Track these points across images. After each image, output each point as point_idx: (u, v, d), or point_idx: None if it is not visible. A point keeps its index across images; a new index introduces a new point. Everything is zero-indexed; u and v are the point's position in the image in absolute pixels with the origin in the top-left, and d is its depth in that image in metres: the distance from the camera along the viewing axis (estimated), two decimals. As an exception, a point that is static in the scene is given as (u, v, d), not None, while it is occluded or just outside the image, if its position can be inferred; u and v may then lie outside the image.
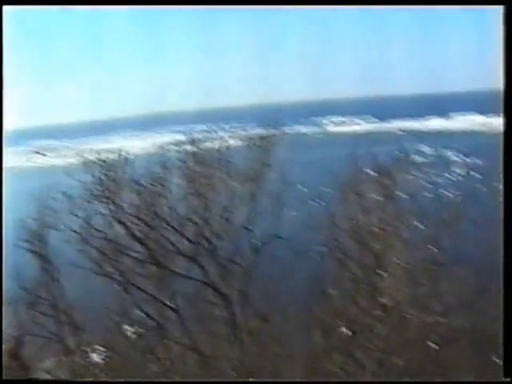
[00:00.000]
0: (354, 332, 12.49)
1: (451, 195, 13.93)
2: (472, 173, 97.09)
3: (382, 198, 12.32)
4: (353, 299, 12.41)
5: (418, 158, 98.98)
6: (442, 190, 13.67)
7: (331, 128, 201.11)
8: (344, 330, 12.78)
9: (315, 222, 12.63)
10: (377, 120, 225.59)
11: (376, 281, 12.20)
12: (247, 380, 14.23)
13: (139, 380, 14.69)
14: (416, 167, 14.96)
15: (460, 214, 13.00)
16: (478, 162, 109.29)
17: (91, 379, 14.05)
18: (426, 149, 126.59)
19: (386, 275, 12.07)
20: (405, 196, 13.18)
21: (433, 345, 14.06)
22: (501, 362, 16.19)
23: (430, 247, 12.16)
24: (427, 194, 15.31)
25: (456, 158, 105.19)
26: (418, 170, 15.66)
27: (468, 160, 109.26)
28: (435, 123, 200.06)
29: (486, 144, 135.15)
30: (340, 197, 12.68)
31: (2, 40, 11.11)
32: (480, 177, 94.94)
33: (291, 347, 15.66)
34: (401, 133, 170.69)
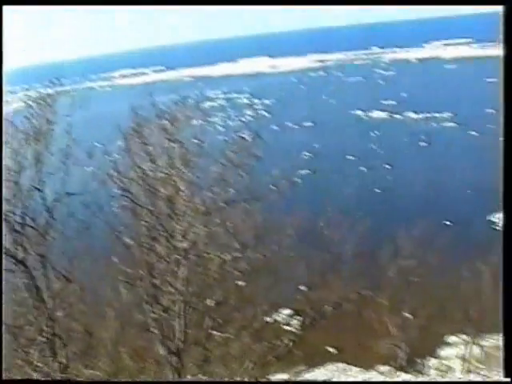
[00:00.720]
0: (154, 277, 12.90)
1: (243, 136, 14.63)
2: (262, 112, 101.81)
3: (169, 145, 12.68)
4: (150, 247, 12.79)
5: (209, 103, 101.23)
6: (234, 132, 14.22)
7: (120, 81, 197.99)
8: (148, 278, 13.14)
9: (104, 176, 12.66)
10: (166, 69, 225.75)
11: (170, 226, 12.65)
12: (247, 380, 14.31)
13: (139, 380, 14.89)
14: (204, 112, 15.40)
15: (249, 152, 13.73)
16: (267, 102, 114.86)
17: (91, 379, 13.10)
18: (215, 93, 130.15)
19: (179, 219, 12.57)
20: (195, 140, 13.60)
21: (239, 282, 15.09)
22: (303, 287, 17.81)
23: (220, 187, 12.84)
24: (219, 137, 15.89)
25: (245, 101, 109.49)
26: (207, 114, 16.13)
27: (257, 101, 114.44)
28: (224, 68, 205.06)
29: (273, 84, 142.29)
30: (126, 147, 12.81)
31: (2, 40, 11.28)
32: (269, 116, 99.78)
33: (99, 304, 15.82)
34: (190, 79, 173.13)
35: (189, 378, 14.32)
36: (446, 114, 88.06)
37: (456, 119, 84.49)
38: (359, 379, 28.30)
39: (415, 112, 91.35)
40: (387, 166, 62.77)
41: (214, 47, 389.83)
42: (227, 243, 13.72)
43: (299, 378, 28.47)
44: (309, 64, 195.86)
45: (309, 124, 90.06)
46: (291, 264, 17.02)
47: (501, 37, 11.10)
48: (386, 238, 20.39)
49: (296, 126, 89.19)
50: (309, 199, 44.15)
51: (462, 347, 27.13)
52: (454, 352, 29.15)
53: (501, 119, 10.69)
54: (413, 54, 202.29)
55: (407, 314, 22.26)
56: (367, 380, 26.74)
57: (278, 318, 27.21)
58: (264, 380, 18.13)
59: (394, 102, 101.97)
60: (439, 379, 25.96)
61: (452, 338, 30.02)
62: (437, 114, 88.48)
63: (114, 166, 12.64)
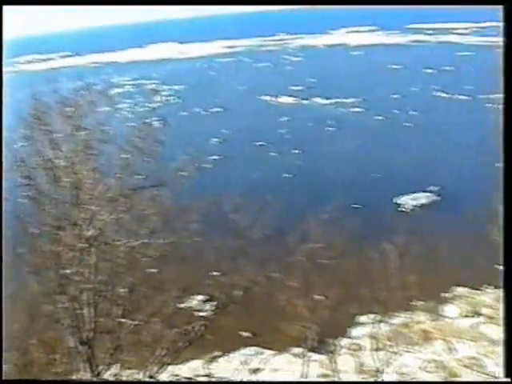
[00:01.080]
0: (62, 267, 12.79)
1: (150, 122, 14.61)
2: (171, 99, 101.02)
3: (73, 132, 12.56)
4: (57, 236, 12.66)
5: (116, 90, 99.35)
6: (141, 119, 14.21)
7: (25, 66, 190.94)
8: (55, 267, 13.01)
9: (8, 164, 12.41)
10: (73, 54, 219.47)
11: (76, 214, 12.57)
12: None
13: (139, 380, 15.14)
14: (111, 98, 15.30)
15: (156, 139, 13.79)
16: (176, 88, 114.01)
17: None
18: (123, 79, 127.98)
19: (84, 207, 12.51)
20: (101, 127, 13.52)
21: (150, 269, 15.17)
22: (214, 273, 18.05)
23: (127, 174, 12.85)
24: (127, 124, 15.82)
25: (154, 87, 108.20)
26: (113, 101, 16.03)
27: (165, 87, 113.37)
28: (132, 54, 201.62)
29: (181, 70, 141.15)
30: (28, 135, 12.60)
31: (1, 40, 11.74)
32: (178, 102, 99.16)
33: (9, 297, 15.49)
34: (97, 65, 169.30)
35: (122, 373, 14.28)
36: (352, 100, 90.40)
37: (363, 104, 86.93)
38: (272, 362, 28.99)
39: (322, 97, 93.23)
40: (296, 151, 63.90)
41: (121, 32, 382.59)
42: (135, 230, 13.77)
43: (214, 363, 28.85)
44: (218, 50, 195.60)
45: (218, 110, 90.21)
46: (200, 249, 17.25)
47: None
48: (294, 222, 20.93)
49: (205, 112, 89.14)
50: (217, 185, 44.44)
51: (372, 326, 28.25)
52: (364, 331, 30.31)
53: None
54: (320, 40, 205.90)
55: (318, 296, 22.95)
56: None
57: (190, 305, 27.42)
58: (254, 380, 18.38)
59: (302, 88, 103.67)
60: (439, 379, 27.07)
61: (362, 318, 31.17)
62: (344, 100, 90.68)
63: (17, 154, 12.41)
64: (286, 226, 20.04)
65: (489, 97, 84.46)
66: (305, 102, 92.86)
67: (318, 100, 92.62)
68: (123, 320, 14.15)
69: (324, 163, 60.50)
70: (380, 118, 77.35)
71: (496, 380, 15.27)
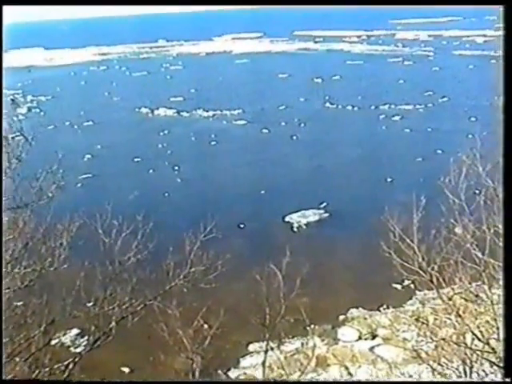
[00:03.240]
0: None
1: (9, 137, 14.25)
2: (35, 110, 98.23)
3: None
4: None
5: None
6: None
7: None
8: None
9: None
10: None
11: None
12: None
13: (139, 380, 12.83)
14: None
15: (15, 155, 13.48)
16: (41, 98, 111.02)
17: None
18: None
19: None
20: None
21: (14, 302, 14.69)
22: (86, 302, 17.68)
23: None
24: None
25: (15, 96, 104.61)
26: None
27: (30, 97, 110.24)
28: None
29: (48, 79, 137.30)
30: None
31: (1, 40, 11.49)
32: (43, 114, 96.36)
33: None
34: None
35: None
36: (236, 111, 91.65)
37: (248, 116, 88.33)
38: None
39: (204, 109, 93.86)
40: (176, 168, 63.96)
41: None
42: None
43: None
44: (89, 57, 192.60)
45: (89, 123, 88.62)
46: (69, 277, 16.90)
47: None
48: (173, 244, 20.88)
49: (74, 126, 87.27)
50: (89, 204, 43.30)
51: (263, 355, 28.61)
52: (255, 361, 30.56)
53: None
54: (202, 47, 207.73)
55: (202, 324, 22.98)
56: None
57: (61, 340, 26.63)
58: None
59: (181, 99, 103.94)
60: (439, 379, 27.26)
61: (252, 346, 31.50)
62: (227, 112, 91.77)
63: None
64: (163, 248, 19.95)
65: (380, 108, 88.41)
66: (185, 114, 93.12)
67: (200, 112, 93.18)
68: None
69: (207, 180, 60.77)
70: (266, 130, 78.89)
71: (496, 380, 16.17)
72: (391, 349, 31.26)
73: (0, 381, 10.70)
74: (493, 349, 15.32)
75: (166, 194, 55.69)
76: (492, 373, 15.98)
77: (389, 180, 56.40)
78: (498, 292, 14.54)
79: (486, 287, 15.84)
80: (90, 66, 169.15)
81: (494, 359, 15.16)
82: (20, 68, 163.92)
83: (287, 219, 48.28)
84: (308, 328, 30.07)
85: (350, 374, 29.95)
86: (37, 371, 15.42)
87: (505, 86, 11.68)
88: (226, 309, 23.53)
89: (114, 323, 16.87)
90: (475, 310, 17.33)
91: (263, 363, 27.60)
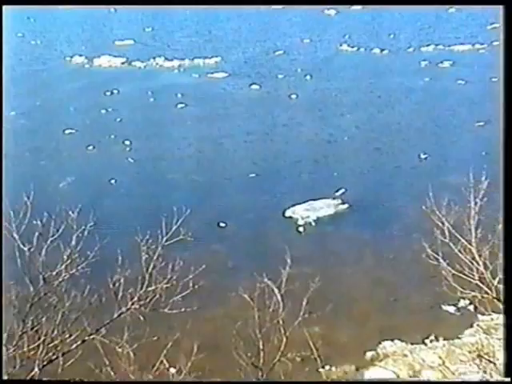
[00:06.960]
0: None
1: None
2: None
3: None
4: None
5: None
6: None
7: None
8: None
9: None
10: None
11: None
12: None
13: (139, 380, 17.02)
14: None
15: None
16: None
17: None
18: None
19: None
20: None
21: None
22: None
23: None
24: None
25: None
26: None
27: None
28: None
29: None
30: None
31: (1, 40, 10.45)
32: None
33: None
34: None
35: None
36: (213, 60, 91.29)
37: (228, 67, 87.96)
38: None
39: (166, 58, 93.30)
40: (126, 142, 63.45)
41: None
42: None
43: None
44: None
45: None
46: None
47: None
48: (122, 252, 20.81)
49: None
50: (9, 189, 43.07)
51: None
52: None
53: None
54: None
55: (167, 368, 22.99)
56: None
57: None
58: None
59: (131, 42, 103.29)
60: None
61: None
62: (199, 60, 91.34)
63: None
64: (108, 258, 19.85)
65: (422, 50, 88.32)
66: (138, 64, 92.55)
67: (160, 61, 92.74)
68: None
69: (171, 160, 59.19)
70: (255, 87, 78.72)
71: (496, 380, 16.49)
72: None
73: (0, 381, 11.18)
74: None
75: (113, 181, 54.91)
76: None
77: (434, 154, 56.07)
78: None
79: None
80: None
81: None
82: None
83: (289, 214, 47.55)
84: (321, 370, 29.78)
85: None
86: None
87: (504, 85, 12.63)
88: (201, 344, 23.43)
89: (36, 369, 16.83)
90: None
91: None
